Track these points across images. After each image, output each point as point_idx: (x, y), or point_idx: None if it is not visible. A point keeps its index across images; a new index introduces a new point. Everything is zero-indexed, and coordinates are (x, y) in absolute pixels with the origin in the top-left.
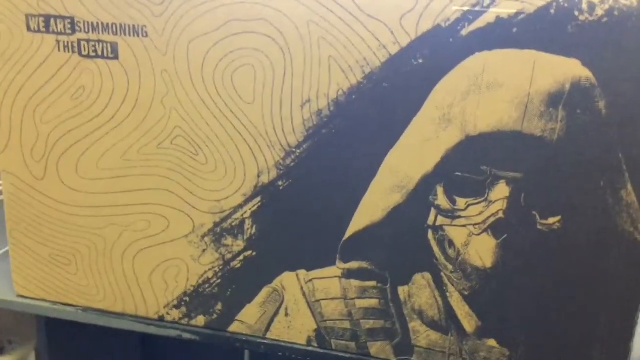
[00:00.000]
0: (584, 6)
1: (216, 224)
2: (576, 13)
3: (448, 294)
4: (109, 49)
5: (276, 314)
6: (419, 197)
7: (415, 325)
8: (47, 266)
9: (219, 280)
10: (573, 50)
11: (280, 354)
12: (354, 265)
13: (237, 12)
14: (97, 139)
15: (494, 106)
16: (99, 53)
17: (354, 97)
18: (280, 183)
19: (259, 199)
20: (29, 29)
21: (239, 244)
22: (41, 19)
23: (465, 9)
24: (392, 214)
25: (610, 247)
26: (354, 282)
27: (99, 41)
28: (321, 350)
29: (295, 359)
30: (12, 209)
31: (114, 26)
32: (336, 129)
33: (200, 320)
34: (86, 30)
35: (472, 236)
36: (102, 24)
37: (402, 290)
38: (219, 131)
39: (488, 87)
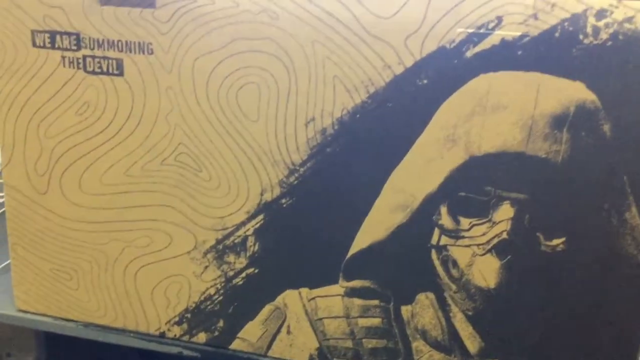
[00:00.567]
0: (589, 30)
1: (219, 241)
2: (581, 36)
3: (451, 314)
4: (114, 66)
5: (278, 331)
6: (423, 216)
7: (418, 345)
8: (49, 281)
9: (221, 297)
10: (578, 73)
11: None
12: (356, 283)
13: (243, 31)
14: (101, 154)
15: (499, 127)
16: (104, 69)
17: (358, 116)
18: (283, 201)
19: (262, 216)
20: (34, 44)
21: (242, 261)
22: (47, 34)
23: (470, 30)
24: (396, 233)
25: (614, 270)
26: (357, 301)
27: (104, 57)
28: None
29: None
30: (14, 223)
31: (120, 43)
32: (340, 148)
33: (201, 337)
34: (91, 46)
35: (476, 256)
36: (108, 40)
37: (405, 310)
38: (223, 148)
39: (492, 108)
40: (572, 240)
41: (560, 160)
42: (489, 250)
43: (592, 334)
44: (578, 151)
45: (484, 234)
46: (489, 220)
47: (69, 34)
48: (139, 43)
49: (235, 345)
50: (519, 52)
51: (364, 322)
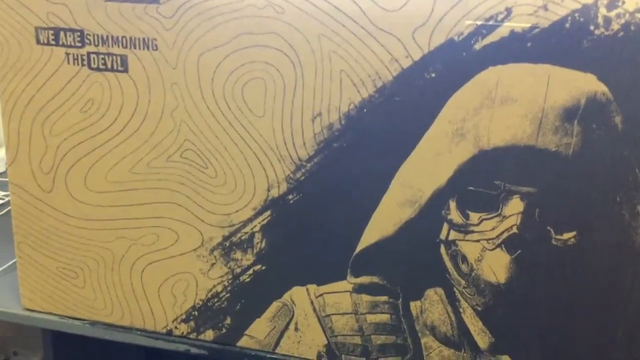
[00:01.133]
0: (600, 20)
1: (225, 238)
2: (592, 27)
3: (461, 310)
4: (119, 62)
5: (286, 328)
6: (432, 211)
7: (427, 341)
8: (55, 279)
9: (228, 295)
10: (588, 65)
11: None
12: (365, 279)
13: (248, 26)
14: (106, 151)
15: (508, 121)
16: (109, 66)
17: (365, 110)
18: (290, 197)
19: (268, 212)
20: (38, 41)
21: (249, 258)
22: (50, 31)
23: (479, 23)
24: (404, 228)
25: (626, 263)
26: (365, 297)
27: (108, 54)
28: None
29: None
30: (19, 221)
31: (124, 39)
32: (347, 143)
33: (209, 334)
34: (96, 43)
35: (486, 251)
36: (112, 36)
37: (414, 306)
38: (229, 144)
39: (502, 101)
40: (584, 234)
41: (571, 153)
42: (499, 245)
43: (604, 329)
44: (589, 144)
45: (493, 229)
46: (499, 215)
47: (72, 30)
48: (144, 39)
49: (243, 342)
50: (529, 44)
51: (372, 318)
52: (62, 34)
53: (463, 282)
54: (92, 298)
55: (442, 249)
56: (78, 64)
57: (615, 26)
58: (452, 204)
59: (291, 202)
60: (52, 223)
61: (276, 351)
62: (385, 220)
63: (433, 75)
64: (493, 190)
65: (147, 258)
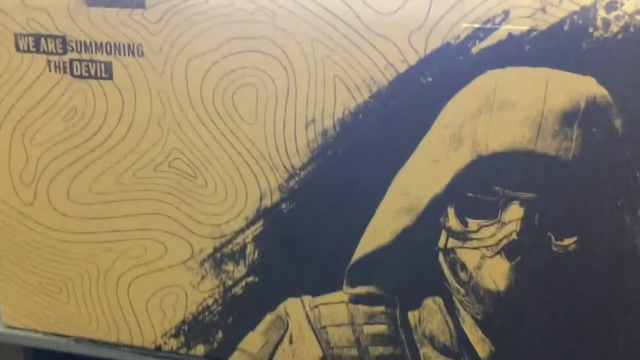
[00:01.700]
0: (599, 23)
1: (216, 249)
2: (590, 30)
3: (460, 319)
4: (103, 69)
5: (280, 341)
6: (429, 219)
7: (426, 351)
8: (37, 295)
9: (220, 308)
10: (588, 68)
11: None
12: (361, 290)
13: (237, 30)
14: (90, 162)
15: (507, 125)
16: (92, 73)
17: (360, 116)
18: (283, 206)
19: (261, 222)
20: (18, 48)
21: (241, 270)
22: (31, 38)
23: (476, 26)
24: (401, 236)
25: (627, 269)
26: (362, 308)
27: (92, 61)
28: None
29: None
30: None
31: (108, 45)
32: (342, 150)
33: (199, 349)
34: (78, 49)
35: (485, 259)
36: (96, 43)
37: (412, 315)
38: (219, 153)
39: (500, 106)
40: (584, 240)
41: (571, 157)
42: (498, 252)
43: (605, 336)
44: (589, 148)
45: (492, 235)
46: (498, 221)
47: (54, 37)
48: (129, 45)
49: (235, 357)
50: (527, 47)
51: (369, 329)
52: (43, 40)
53: (462, 290)
54: (77, 314)
55: (441, 257)
56: (60, 72)
57: (614, 28)
58: (450, 211)
59: (284, 211)
60: (34, 237)
61: None
62: (382, 228)
63: (430, 79)
64: (492, 197)
65: (134, 271)
